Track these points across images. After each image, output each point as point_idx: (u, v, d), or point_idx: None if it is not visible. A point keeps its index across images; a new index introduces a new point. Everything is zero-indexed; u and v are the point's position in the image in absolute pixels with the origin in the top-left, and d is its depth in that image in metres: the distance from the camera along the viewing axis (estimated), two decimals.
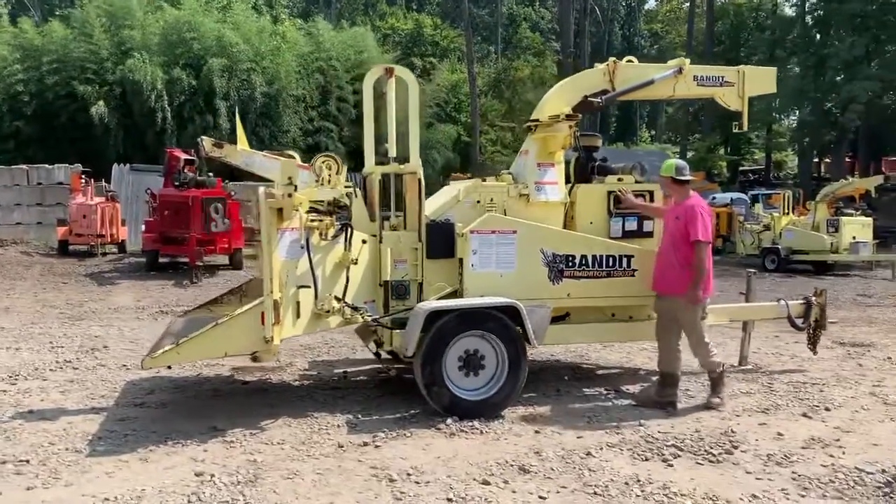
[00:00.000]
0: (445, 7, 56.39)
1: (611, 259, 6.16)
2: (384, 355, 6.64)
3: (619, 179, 6.54)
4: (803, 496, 4.34)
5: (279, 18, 30.39)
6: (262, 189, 5.43)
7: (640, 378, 7.03)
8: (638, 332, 6.51)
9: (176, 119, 25.13)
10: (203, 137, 6.02)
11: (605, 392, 6.49)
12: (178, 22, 26.37)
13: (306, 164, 6.32)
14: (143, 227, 20.24)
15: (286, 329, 5.48)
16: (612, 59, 6.62)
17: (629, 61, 6.69)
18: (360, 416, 5.71)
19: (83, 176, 19.79)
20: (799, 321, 7.18)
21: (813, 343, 7.28)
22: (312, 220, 5.54)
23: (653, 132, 68.05)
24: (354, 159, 30.64)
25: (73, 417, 5.69)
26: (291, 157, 6.29)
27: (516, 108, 49.78)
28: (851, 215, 19.55)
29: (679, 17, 49.89)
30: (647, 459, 4.88)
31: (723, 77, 6.84)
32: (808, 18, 34.83)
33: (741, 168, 45.81)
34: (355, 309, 5.70)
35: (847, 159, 38.00)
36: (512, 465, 4.71)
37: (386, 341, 5.98)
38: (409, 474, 4.56)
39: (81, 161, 21.82)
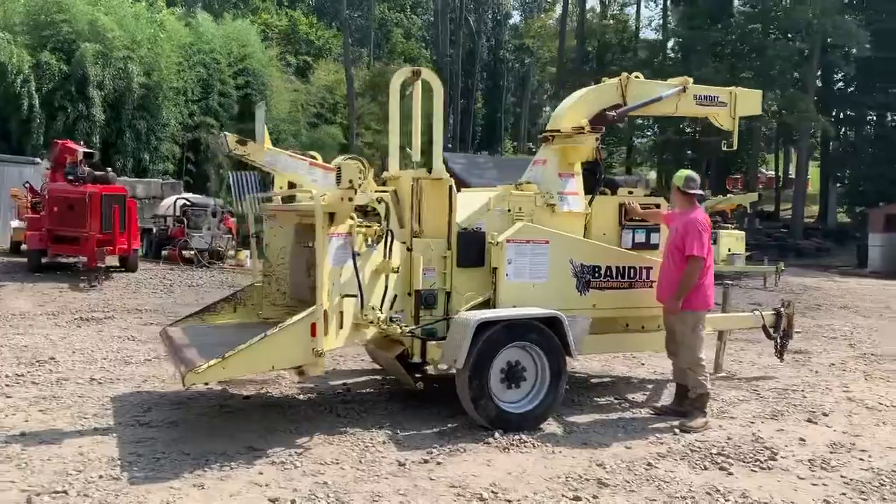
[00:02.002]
0: (319, 3, 55.42)
1: (632, 270, 6.27)
2: (432, 370, 6.32)
3: (630, 192, 6.68)
4: (866, 500, 4.59)
5: (155, 4, 28.65)
6: (316, 192, 5.09)
7: (634, 387, 7.20)
8: (650, 343, 6.65)
9: (45, 107, 23.12)
10: (226, 133, 5.54)
11: (616, 401, 6.59)
12: (45, 1, 24.29)
13: (330, 166, 6.01)
14: (14, 224, 18.61)
15: (329, 341, 5.17)
16: (624, 74, 6.74)
17: (636, 77, 6.84)
18: (397, 431, 5.48)
19: None
20: (770, 330, 7.58)
21: (780, 351, 7.71)
22: (360, 226, 5.26)
23: (515, 143, 70.02)
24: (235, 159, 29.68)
25: (79, 440, 5.10)
26: (314, 157, 5.96)
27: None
28: (727, 229, 20.98)
29: (551, 34, 51.63)
30: (705, 468, 5.00)
31: (717, 97, 7.14)
32: (672, 43, 37.17)
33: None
34: (392, 319, 5.47)
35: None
36: (588, 480, 4.68)
37: (415, 353, 5.78)
38: (494, 493, 4.44)
39: None
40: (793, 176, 41.99)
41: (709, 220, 5.93)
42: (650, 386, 7.23)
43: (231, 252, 18.99)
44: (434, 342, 5.67)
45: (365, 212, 5.64)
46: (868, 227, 30.29)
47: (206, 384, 5.67)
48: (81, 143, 17.01)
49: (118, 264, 16.01)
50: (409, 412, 5.98)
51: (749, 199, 21.85)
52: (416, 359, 5.82)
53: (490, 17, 65.53)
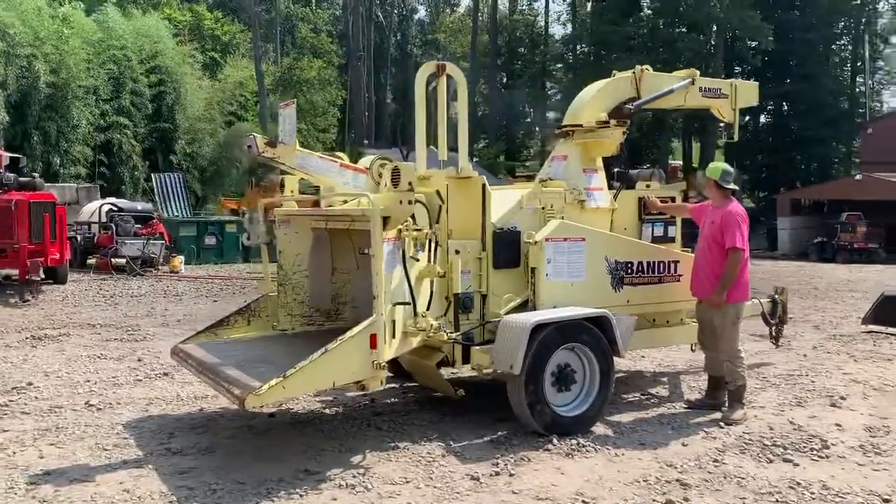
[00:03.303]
0: None
1: (661, 265, 6.23)
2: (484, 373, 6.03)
3: (647, 186, 6.64)
4: None
5: None
6: (373, 196, 4.78)
7: (650, 381, 7.18)
8: (676, 337, 6.64)
9: None
10: (255, 135, 5.16)
11: (643, 397, 6.55)
12: None
13: (360, 168, 5.70)
14: None
15: (385, 352, 4.88)
16: (638, 67, 6.69)
17: (646, 69, 6.80)
18: (449, 442, 5.24)
19: None
20: (768, 317, 7.73)
21: (776, 337, 7.86)
22: (409, 229, 4.98)
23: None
24: (149, 158, 28.36)
25: (114, 475, 4.63)
26: (341, 159, 5.64)
27: (304, 108, 48.88)
28: None
29: (462, 29, 51.75)
30: (770, 461, 5.00)
31: (720, 89, 7.19)
32: (585, 37, 37.84)
33: (517, 175, 48.77)
34: (437, 326, 5.23)
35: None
36: (669, 482, 4.60)
37: (457, 360, 5.55)
38: (584, 502, 4.28)
39: None
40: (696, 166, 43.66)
41: (745, 213, 5.93)
42: (664, 379, 7.23)
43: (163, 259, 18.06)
44: (479, 347, 5.46)
45: None
46: (777, 211, 31.86)
47: (262, 407, 5.21)
48: (2, 147, 15.81)
49: (44, 276, 14.96)
50: (450, 421, 5.75)
51: (678, 188, 22.40)
52: (458, 366, 5.60)
53: (396, 12, 65.17)
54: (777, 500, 4.35)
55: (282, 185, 6.18)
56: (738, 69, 39.58)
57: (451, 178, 5.59)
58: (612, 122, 6.17)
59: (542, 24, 47.80)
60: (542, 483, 4.55)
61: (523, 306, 5.68)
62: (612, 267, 5.95)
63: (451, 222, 5.53)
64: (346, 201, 5.70)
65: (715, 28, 34.82)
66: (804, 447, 5.23)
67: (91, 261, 17.79)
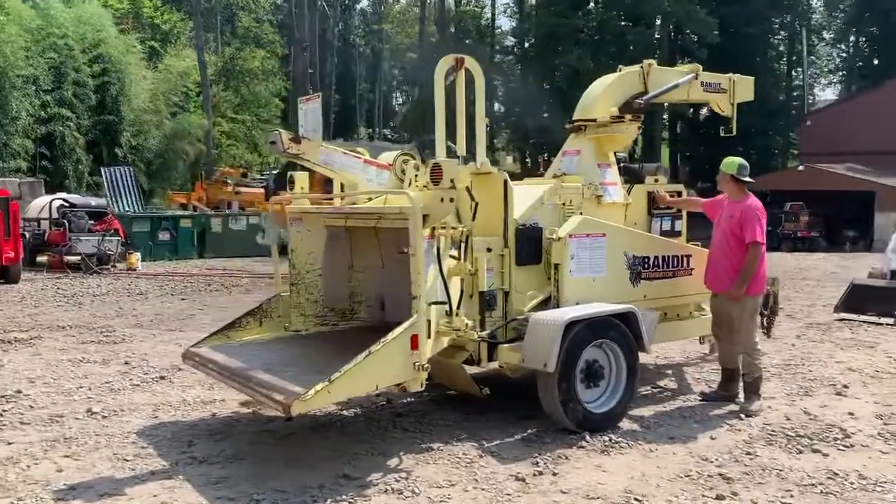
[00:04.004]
0: None
1: (675, 259, 6.26)
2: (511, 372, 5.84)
3: (656, 181, 6.67)
4: None
5: None
6: (414, 194, 4.65)
7: (655, 373, 7.23)
8: (688, 330, 6.68)
9: None
10: (280, 131, 4.97)
11: (656, 391, 6.59)
12: None
13: (383, 163, 5.56)
14: None
15: (425, 353, 4.77)
16: (645, 61, 6.70)
17: (651, 64, 6.81)
18: (482, 442, 5.17)
19: None
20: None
21: (768, 328, 7.99)
22: (444, 227, 4.87)
23: (370, 130, 69.38)
24: (93, 151, 27.34)
25: (145, 487, 4.42)
26: (362, 154, 5.49)
27: (248, 99, 47.95)
28: None
29: (408, 20, 51.40)
30: (800, 452, 5.07)
31: (720, 84, 7.26)
32: (534, 30, 37.97)
33: None
34: (473, 325, 5.15)
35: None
36: (711, 477, 4.62)
37: (483, 359, 5.48)
38: (637, 500, 4.27)
39: None
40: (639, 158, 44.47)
41: (763, 207, 5.98)
42: (669, 371, 7.29)
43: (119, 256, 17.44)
44: (507, 346, 5.40)
45: None
46: None
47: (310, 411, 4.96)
48: None
49: None
50: (475, 420, 5.67)
51: None
52: (484, 364, 5.53)
53: (339, 1, 64.37)
54: (822, 492, 4.41)
55: (291, 182, 6.00)
56: (681, 62, 40.34)
57: (473, 174, 5.50)
58: (628, 117, 6.16)
59: (490, 15, 47.87)
60: (587, 481, 4.52)
61: (544, 303, 5.64)
62: (631, 262, 5.95)
63: (478, 218, 5.45)
64: (370, 199, 5.55)
65: (659, 21, 35.42)
66: (827, 437, 5.33)
67: (42, 259, 17.07)
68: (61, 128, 25.02)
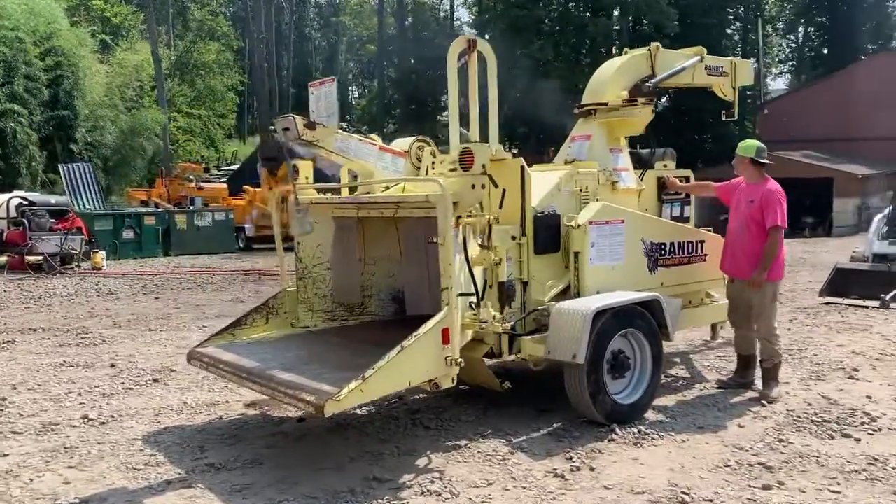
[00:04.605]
0: None
1: (689, 245, 6.15)
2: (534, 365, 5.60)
3: (665, 166, 6.55)
4: None
5: None
6: (443, 181, 4.42)
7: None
8: (701, 318, 6.59)
9: None
10: (295, 116, 4.69)
11: (671, 380, 6.46)
12: None
13: (398, 150, 5.32)
14: None
15: (457, 347, 4.56)
16: (653, 44, 6.57)
17: (658, 46, 6.68)
18: (509, 438, 5.00)
19: None
20: None
21: None
22: (469, 215, 4.66)
23: None
24: (47, 148, 26.41)
25: (162, 498, 4.15)
26: (376, 141, 5.25)
27: (204, 94, 47.02)
28: None
29: (366, 11, 50.83)
30: (832, 437, 5.00)
31: (722, 67, 7.17)
32: (495, 21, 37.76)
33: None
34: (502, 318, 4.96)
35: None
36: (752, 466, 4.51)
37: (504, 351, 5.29)
38: (684, 493, 4.14)
39: None
40: None
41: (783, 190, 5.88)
42: (676, 359, 7.18)
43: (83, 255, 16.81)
44: (529, 337, 5.22)
45: None
46: None
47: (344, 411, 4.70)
48: None
49: None
50: (495, 415, 5.49)
51: None
52: (506, 356, 5.34)
53: None
54: (867, 479, 4.32)
55: (295, 172, 5.72)
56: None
57: (493, 160, 5.29)
58: (641, 100, 6.02)
59: (448, 7, 47.60)
60: (628, 475, 4.37)
61: (562, 293, 5.48)
62: (648, 249, 5.82)
63: (492, 206, 5.24)
64: (387, 187, 5.31)
65: (617, 12, 35.49)
66: (853, 421, 5.27)
67: (0, 259, 16.37)
68: (12, 124, 24.11)
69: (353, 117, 64.35)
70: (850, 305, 10.19)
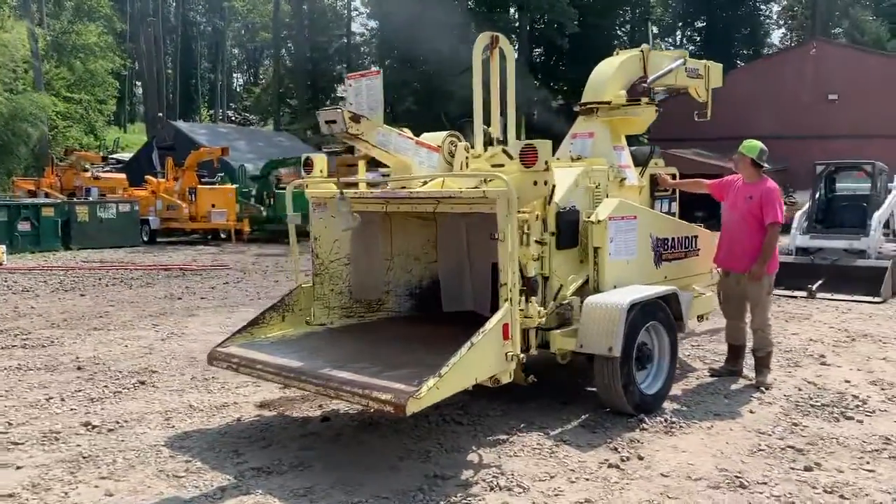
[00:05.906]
0: None
1: (687, 240, 6.40)
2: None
3: (656, 164, 6.78)
4: None
5: None
6: (508, 177, 4.39)
7: None
8: (699, 308, 6.80)
9: None
10: (341, 108, 4.51)
11: None
12: None
13: (433, 146, 5.26)
14: None
15: (517, 343, 4.58)
16: (644, 45, 6.76)
17: (648, 49, 6.88)
18: (547, 431, 5.06)
19: None
20: None
21: None
22: (522, 211, 4.67)
23: (212, 111, 66.29)
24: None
25: None
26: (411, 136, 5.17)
27: (84, 78, 44.39)
28: None
29: None
30: (837, 420, 5.36)
31: (698, 70, 7.48)
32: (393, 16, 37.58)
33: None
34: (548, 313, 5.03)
35: None
36: (784, 450, 4.77)
37: (534, 345, 5.34)
38: (737, 477, 4.34)
39: None
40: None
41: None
42: None
43: None
44: (559, 331, 5.30)
45: None
46: None
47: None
48: None
49: None
50: (519, 409, 5.53)
51: None
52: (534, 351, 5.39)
53: None
54: (889, 457, 4.66)
55: (308, 165, 5.57)
56: (537, 50, 41.62)
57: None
58: (644, 100, 6.21)
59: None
60: (677, 463, 4.54)
61: (585, 286, 5.59)
62: (654, 244, 6.02)
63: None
64: (424, 182, 5.22)
65: (515, 12, 36.18)
66: (848, 405, 5.67)
67: None
68: None
69: (239, 106, 62.34)
70: (779, 296, 10.86)
